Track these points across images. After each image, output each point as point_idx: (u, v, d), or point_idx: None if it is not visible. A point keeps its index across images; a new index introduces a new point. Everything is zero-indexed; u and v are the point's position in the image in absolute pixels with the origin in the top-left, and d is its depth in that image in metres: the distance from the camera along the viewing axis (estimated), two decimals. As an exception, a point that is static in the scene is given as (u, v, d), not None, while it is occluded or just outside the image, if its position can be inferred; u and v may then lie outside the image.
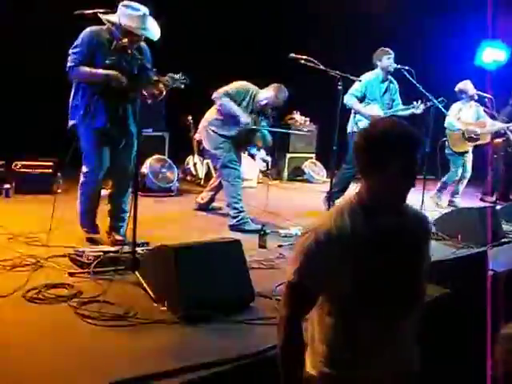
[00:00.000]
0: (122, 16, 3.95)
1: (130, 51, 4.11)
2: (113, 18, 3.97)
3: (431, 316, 3.50)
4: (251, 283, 3.23)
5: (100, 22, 3.95)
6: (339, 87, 4.68)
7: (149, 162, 6.95)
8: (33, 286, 3.23)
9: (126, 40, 3.99)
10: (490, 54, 9.95)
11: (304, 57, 4.67)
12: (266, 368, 2.36)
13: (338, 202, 6.25)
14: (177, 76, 4.13)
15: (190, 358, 2.47)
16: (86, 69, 4.03)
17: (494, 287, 3.83)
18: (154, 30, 4.10)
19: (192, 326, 2.85)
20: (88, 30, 4.08)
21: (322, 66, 4.67)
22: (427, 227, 1.96)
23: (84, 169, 4.29)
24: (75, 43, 4.08)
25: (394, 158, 1.72)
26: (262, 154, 9.02)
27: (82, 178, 4.32)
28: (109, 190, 4.53)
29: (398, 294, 1.77)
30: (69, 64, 4.06)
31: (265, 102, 5.39)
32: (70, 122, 4.22)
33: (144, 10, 4.06)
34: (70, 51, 4.07)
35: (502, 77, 8.44)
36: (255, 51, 9.22)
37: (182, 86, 4.19)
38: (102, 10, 3.62)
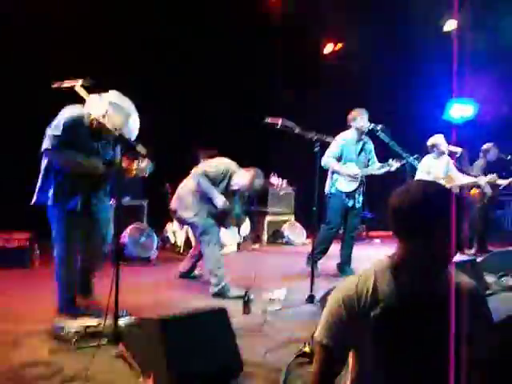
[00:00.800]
0: (106, 113, 3.94)
1: (106, 140, 4.17)
2: (96, 110, 3.94)
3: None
4: (239, 353, 3.14)
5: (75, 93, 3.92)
6: (316, 149, 4.74)
7: (128, 230, 6.89)
8: (10, 365, 3.10)
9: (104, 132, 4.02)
10: (458, 110, 10.51)
11: (280, 121, 4.73)
12: None
13: (321, 262, 6.26)
14: (143, 165, 4.19)
15: None
16: (65, 156, 4.00)
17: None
18: (133, 131, 4.08)
19: (180, 400, 2.74)
20: (69, 114, 4.02)
21: (297, 130, 4.74)
22: (473, 297, 1.77)
23: (56, 252, 4.19)
24: (55, 124, 4.00)
25: (440, 221, 1.68)
26: (234, 232, 8.33)
27: (55, 261, 4.22)
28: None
29: (419, 359, 1.72)
30: (46, 146, 3.98)
31: (237, 187, 5.41)
32: (38, 200, 4.13)
33: (131, 109, 4.05)
34: (50, 133, 3.98)
35: (469, 131, 8.76)
36: (233, 115, 9.38)
37: (146, 175, 4.27)
38: (79, 83, 3.61)
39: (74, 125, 4.00)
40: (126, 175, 4.24)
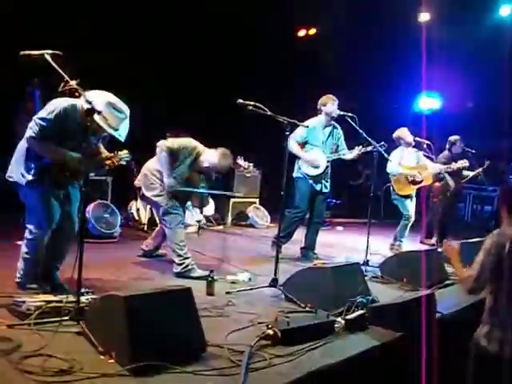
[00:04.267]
0: (103, 112, 3.81)
1: (94, 135, 4.12)
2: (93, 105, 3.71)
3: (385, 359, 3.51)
4: (203, 332, 3.14)
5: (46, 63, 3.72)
6: (287, 133, 4.73)
7: (91, 207, 6.78)
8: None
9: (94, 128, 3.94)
10: (426, 102, 11.20)
11: (252, 103, 4.70)
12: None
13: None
14: (122, 153, 4.27)
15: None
16: (48, 146, 3.93)
17: (441, 329, 3.89)
18: (123, 134, 4.09)
19: (141, 379, 2.71)
20: (64, 105, 3.91)
21: (269, 112, 4.72)
22: None
23: (31, 226, 4.08)
24: (45, 114, 3.89)
25: None
26: (197, 213, 8.13)
27: (28, 236, 4.10)
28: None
29: None
30: (32, 134, 3.89)
31: (207, 165, 5.38)
32: (12, 178, 4.05)
33: (126, 112, 4.07)
34: (37, 120, 3.88)
35: (436, 122, 9.01)
36: (202, 96, 9.31)
37: (124, 163, 4.36)
38: (50, 52, 3.48)
39: (66, 117, 3.92)
40: (109, 165, 4.28)
